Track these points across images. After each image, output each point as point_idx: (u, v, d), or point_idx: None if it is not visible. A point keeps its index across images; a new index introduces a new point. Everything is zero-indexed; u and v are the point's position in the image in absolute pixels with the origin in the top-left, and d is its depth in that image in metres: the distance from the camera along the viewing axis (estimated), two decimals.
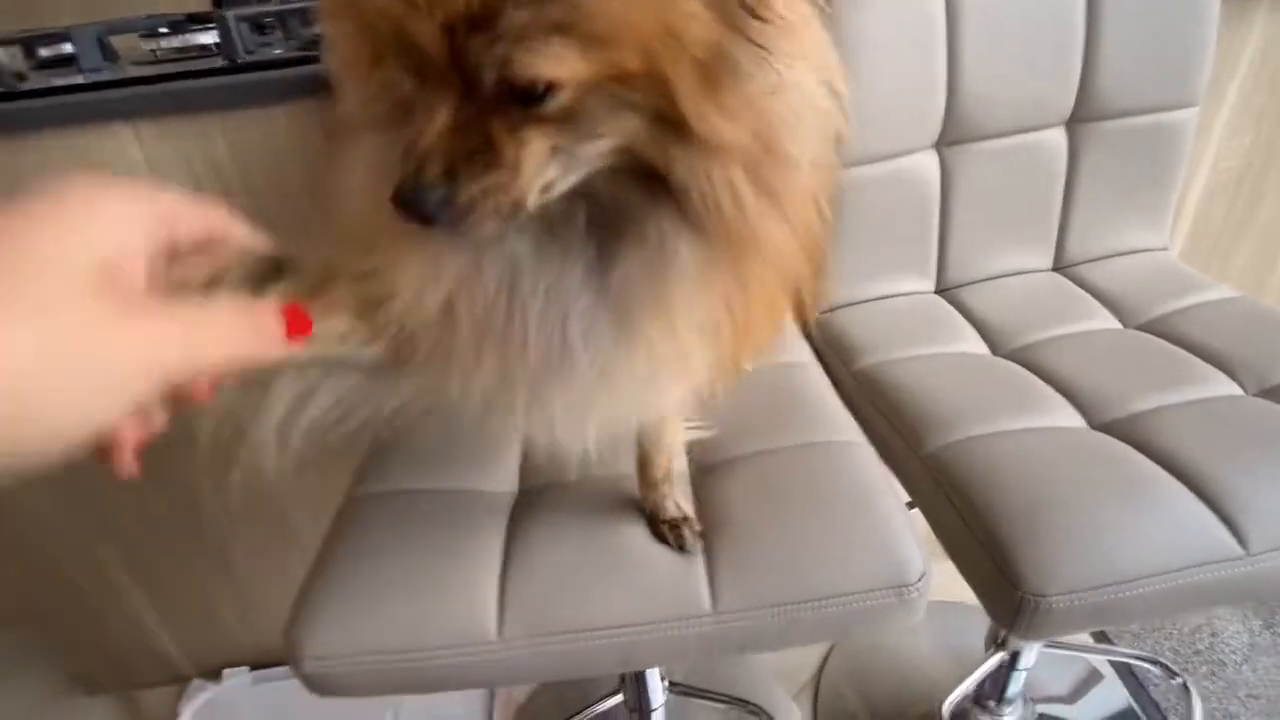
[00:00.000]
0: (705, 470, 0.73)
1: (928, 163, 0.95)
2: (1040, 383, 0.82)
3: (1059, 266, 1.04)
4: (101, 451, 0.29)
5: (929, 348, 0.90)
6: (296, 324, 0.34)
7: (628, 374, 0.44)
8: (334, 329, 0.44)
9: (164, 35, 1.07)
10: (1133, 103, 0.94)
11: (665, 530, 0.65)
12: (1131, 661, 1.22)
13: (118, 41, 1.20)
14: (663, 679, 0.96)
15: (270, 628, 1.14)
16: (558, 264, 0.41)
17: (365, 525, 0.70)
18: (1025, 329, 0.92)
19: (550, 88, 0.32)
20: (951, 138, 0.94)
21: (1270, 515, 0.62)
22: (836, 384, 0.92)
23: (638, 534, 0.66)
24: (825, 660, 1.32)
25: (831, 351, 0.96)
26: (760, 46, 0.34)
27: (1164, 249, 1.05)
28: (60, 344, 0.23)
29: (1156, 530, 0.62)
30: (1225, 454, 0.67)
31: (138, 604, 1.24)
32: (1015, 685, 1.10)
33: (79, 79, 0.96)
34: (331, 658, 0.59)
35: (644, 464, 0.66)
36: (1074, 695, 1.24)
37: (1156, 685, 1.20)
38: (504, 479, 0.76)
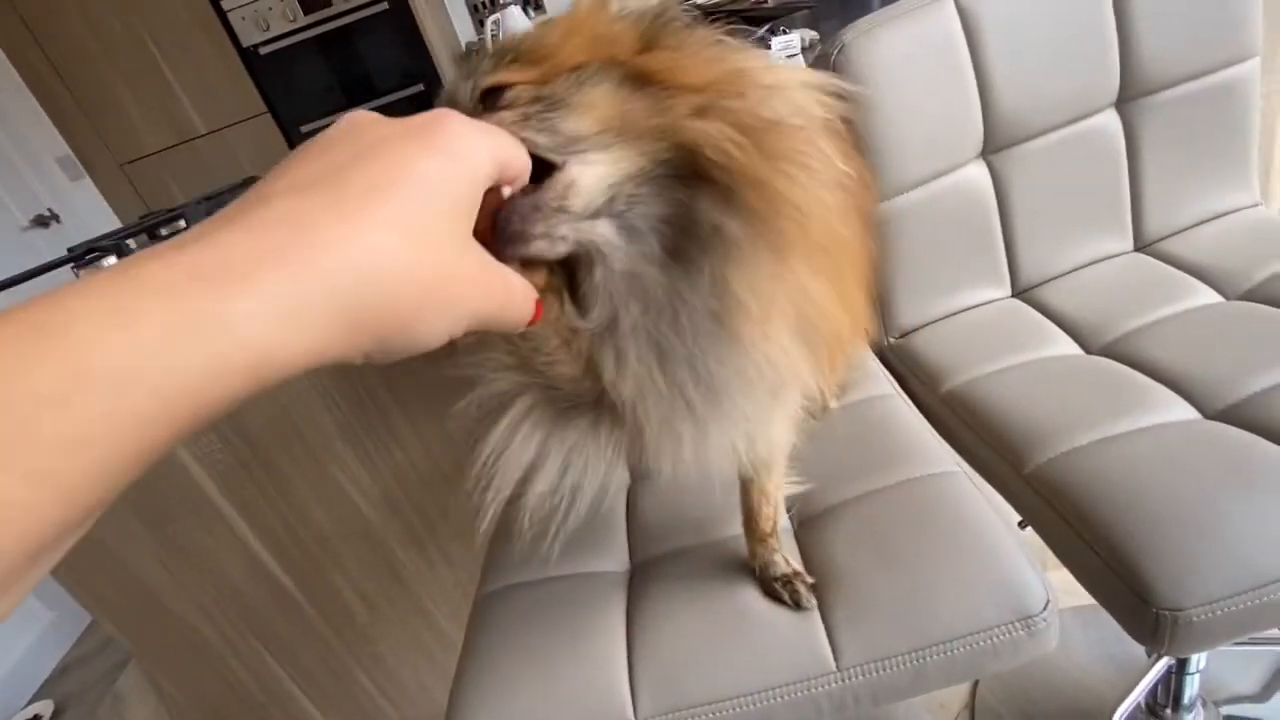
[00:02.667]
0: (807, 523, 0.74)
1: (977, 174, 0.95)
2: (1141, 377, 0.79)
3: (1141, 246, 1.00)
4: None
5: (1016, 356, 0.88)
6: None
7: (739, 381, 0.46)
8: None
9: None
10: (1183, 70, 0.91)
11: (778, 587, 0.67)
12: None
13: None
14: None
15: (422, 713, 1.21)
16: (644, 290, 0.43)
17: (498, 622, 0.75)
18: (1115, 320, 0.88)
19: (501, 87, 0.42)
20: (995, 146, 0.93)
21: None
22: (925, 410, 0.92)
23: (752, 595, 0.68)
24: (976, 686, 1.26)
25: (914, 377, 0.95)
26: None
27: (1256, 205, 0.99)
28: (429, 269, 0.26)
29: None
30: None
31: (302, 704, 1.35)
32: (1190, 689, 1.03)
33: None
34: None
35: (751, 517, 0.68)
36: (1266, 692, 1.14)
37: None
38: (615, 558, 0.80)
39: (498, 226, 0.37)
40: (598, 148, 0.40)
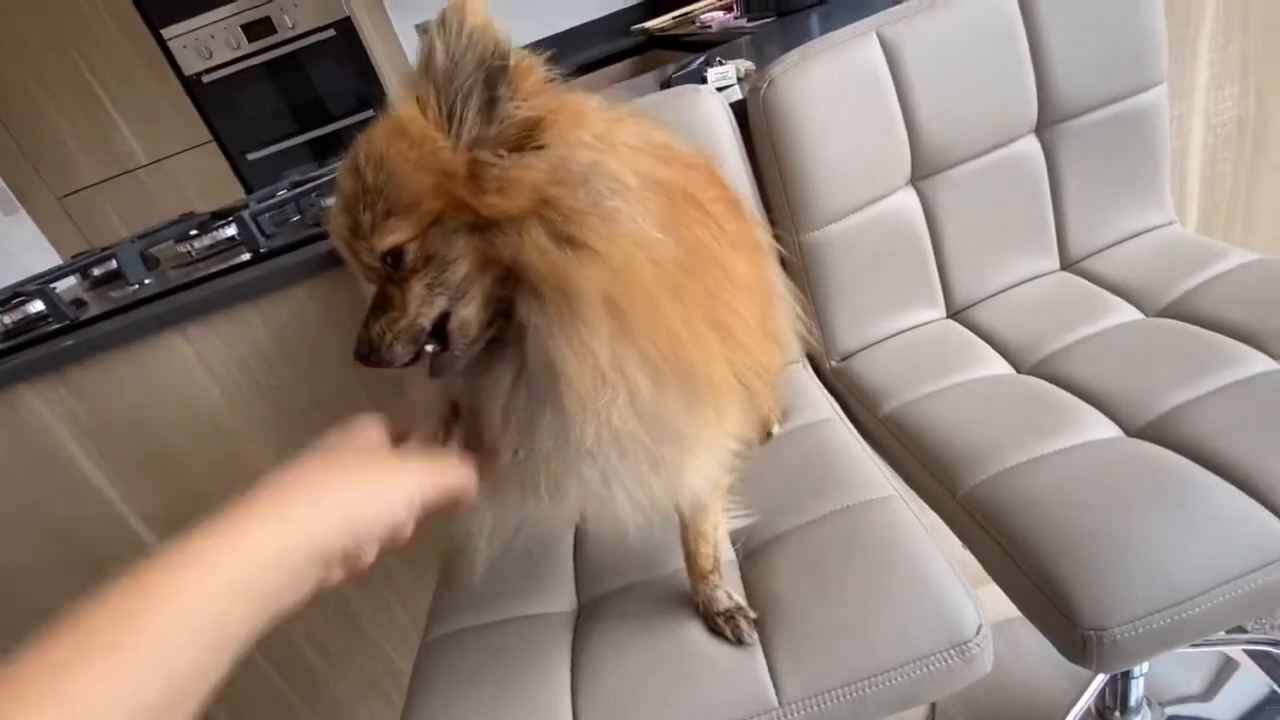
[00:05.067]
0: (752, 556, 0.75)
1: (906, 200, 0.97)
2: (1068, 396, 0.81)
3: (1067, 264, 1.04)
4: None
5: (951, 378, 0.91)
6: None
7: (604, 444, 0.51)
8: None
9: (194, 237, 1.19)
10: (1095, 98, 0.95)
11: (721, 623, 0.67)
12: (1268, 648, 1.15)
13: (157, 250, 1.34)
14: None
15: None
16: (498, 375, 0.53)
17: (442, 669, 0.74)
18: (1044, 339, 0.91)
19: (399, 249, 0.48)
20: (923, 173, 0.96)
21: None
22: (867, 433, 0.94)
23: (696, 632, 0.68)
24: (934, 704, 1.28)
25: (856, 400, 0.97)
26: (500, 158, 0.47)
27: (1171, 223, 1.04)
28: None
29: (1209, 537, 0.60)
30: (1268, 440, 0.65)
31: None
32: (1136, 692, 1.06)
33: (129, 290, 1.07)
34: None
35: (690, 556, 0.69)
36: (1209, 691, 1.17)
37: None
38: (562, 598, 0.79)
39: (432, 371, 0.52)
40: (470, 285, 0.49)
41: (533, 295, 0.48)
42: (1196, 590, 0.58)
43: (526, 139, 0.47)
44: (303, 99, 2.79)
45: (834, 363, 1.03)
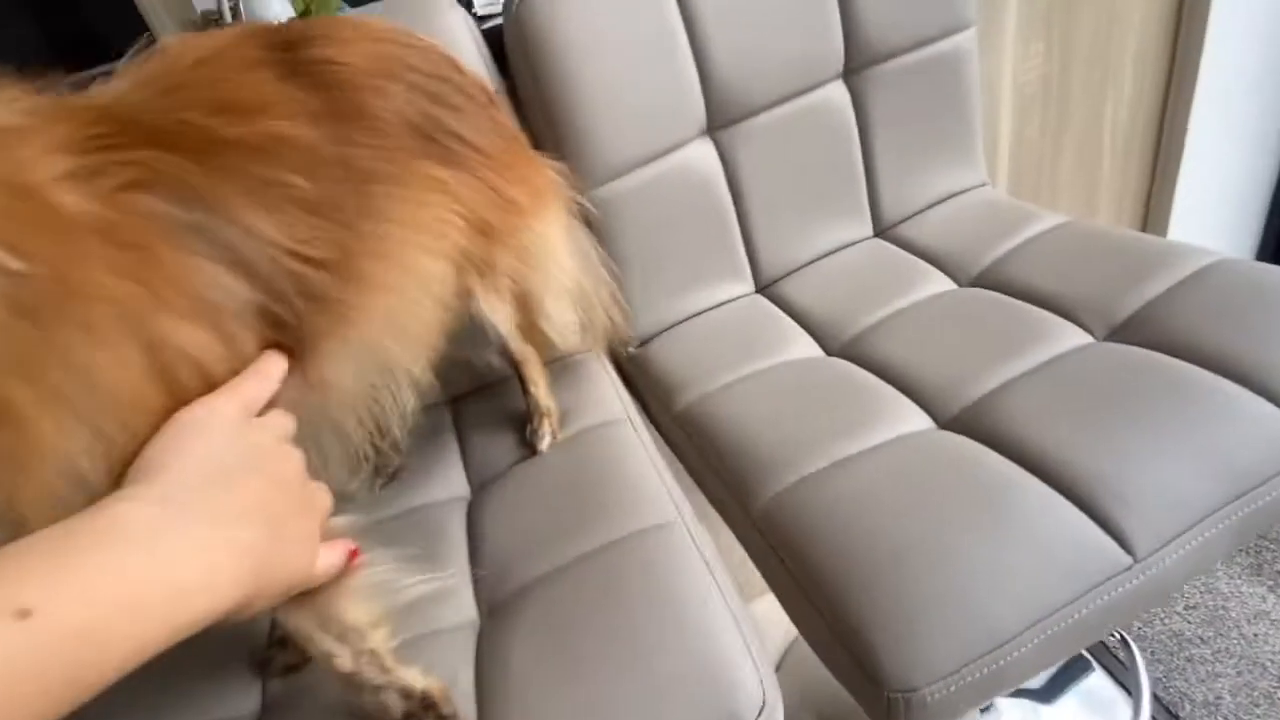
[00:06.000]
0: (495, 613, 0.56)
1: (703, 153, 0.82)
2: (877, 382, 0.69)
3: (880, 230, 0.93)
4: None
5: (754, 364, 0.77)
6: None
7: None
8: None
9: None
10: (903, 39, 0.83)
11: None
12: None
13: None
14: None
15: None
16: None
17: None
18: (855, 315, 0.80)
19: None
20: (720, 121, 0.81)
21: (1149, 501, 0.50)
22: (664, 435, 0.78)
23: None
24: None
25: (651, 394, 0.81)
26: None
27: (983, 184, 0.96)
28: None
29: (1028, 559, 0.49)
30: (1087, 430, 0.56)
31: None
32: None
33: None
34: None
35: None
36: (1050, 693, 1.14)
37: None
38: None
39: None
40: None
41: None
42: (1015, 629, 0.47)
43: None
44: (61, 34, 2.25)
45: (631, 349, 0.87)
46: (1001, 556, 0.49)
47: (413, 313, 0.54)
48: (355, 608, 0.44)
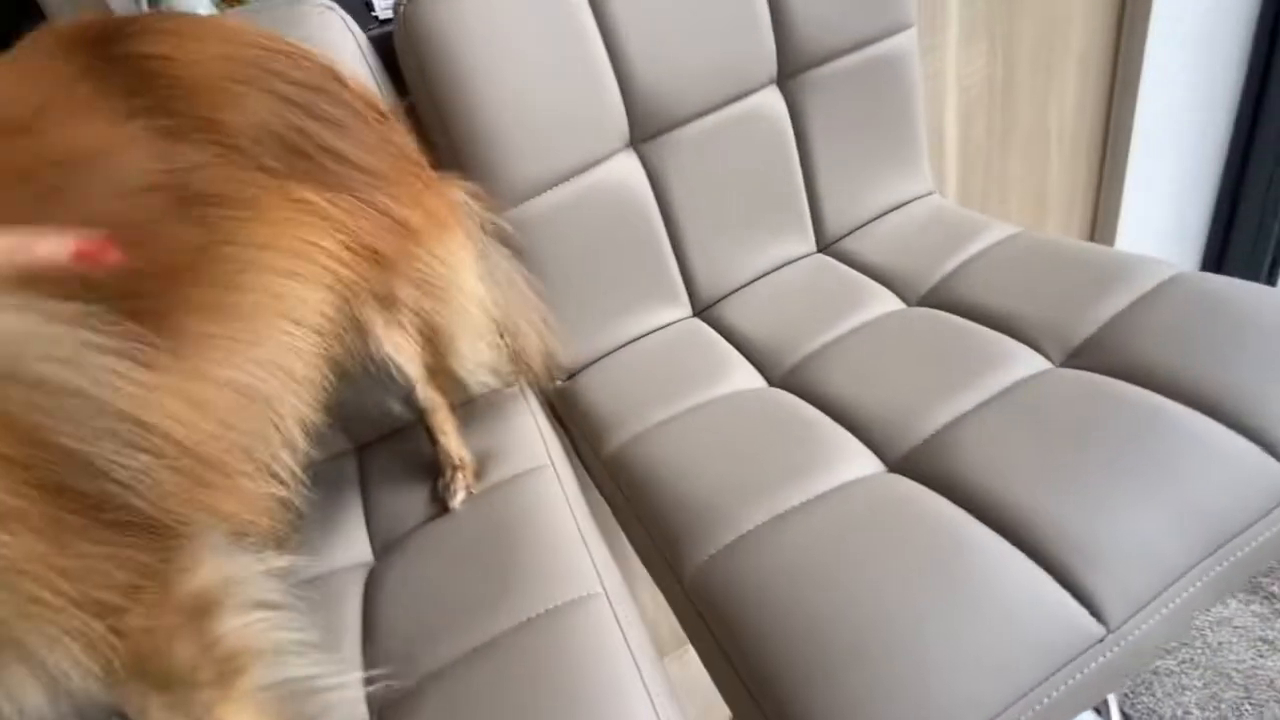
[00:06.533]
0: (384, 712, 0.48)
1: (627, 167, 0.75)
2: (823, 418, 0.63)
3: (824, 245, 0.87)
4: None
5: (690, 398, 0.70)
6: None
7: None
8: None
9: None
10: (840, 41, 0.77)
11: None
12: None
13: None
14: None
15: None
16: None
17: None
18: (798, 340, 0.73)
19: None
20: (645, 133, 0.74)
21: (1120, 560, 0.45)
22: (593, 479, 0.71)
23: None
24: None
25: (580, 433, 0.74)
26: None
27: (930, 193, 0.91)
28: None
29: (994, 638, 0.43)
30: (1047, 475, 0.50)
31: None
32: None
33: None
34: None
35: None
36: None
37: None
38: None
39: None
40: None
41: None
42: (985, 715, 0.40)
43: None
44: None
45: (558, 382, 0.79)
46: (962, 633, 0.42)
47: (277, 342, 0.46)
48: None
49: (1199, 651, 1.15)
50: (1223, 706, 1.09)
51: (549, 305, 0.73)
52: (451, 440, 0.65)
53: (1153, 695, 1.12)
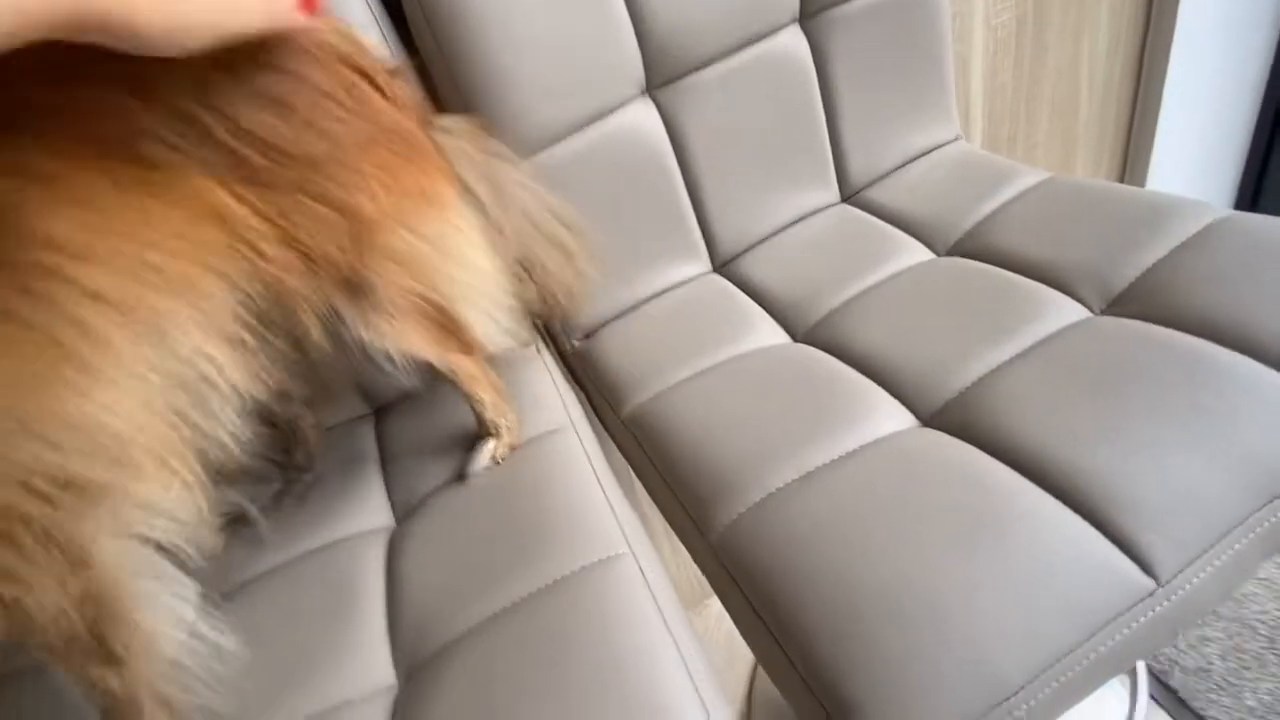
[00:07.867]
0: (412, 678, 0.48)
1: (643, 116, 0.71)
2: (852, 373, 0.61)
3: (848, 195, 0.84)
4: None
5: (710, 356, 0.68)
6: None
7: None
8: None
9: None
10: None
11: None
12: None
13: None
14: None
15: None
16: None
17: None
18: (823, 294, 0.71)
19: None
20: (661, 78, 0.71)
21: (1170, 511, 0.43)
22: (614, 439, 0.69)
23: None
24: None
25: (598, 394, 0.72)
26: None
27: (956, 139, 0.87)
28: None
29: (1036, 592, 0.41)
30: (1091, 426, 0.48)
31: None
32: None
33: None
34: None
35: None
36: None
37: None
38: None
39: None
40: None
41: None
42: (1023, 679, 0.39)
43: None
44: None
45: (575, 342, 0.77)
46: (1002, 589, 0.41)
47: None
48: None
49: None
50: (1245, 656, 1.09)
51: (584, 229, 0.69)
52: (487, 408, 0.62)
53: (1174, 646, 1.11)
